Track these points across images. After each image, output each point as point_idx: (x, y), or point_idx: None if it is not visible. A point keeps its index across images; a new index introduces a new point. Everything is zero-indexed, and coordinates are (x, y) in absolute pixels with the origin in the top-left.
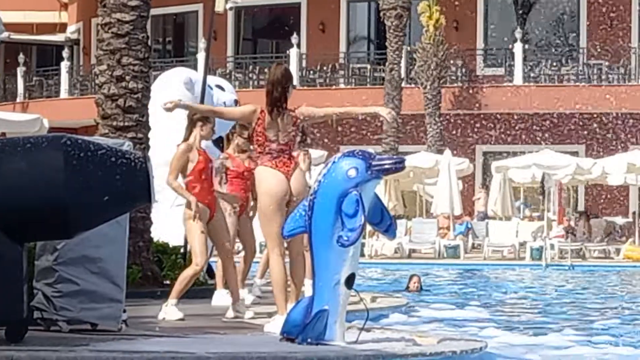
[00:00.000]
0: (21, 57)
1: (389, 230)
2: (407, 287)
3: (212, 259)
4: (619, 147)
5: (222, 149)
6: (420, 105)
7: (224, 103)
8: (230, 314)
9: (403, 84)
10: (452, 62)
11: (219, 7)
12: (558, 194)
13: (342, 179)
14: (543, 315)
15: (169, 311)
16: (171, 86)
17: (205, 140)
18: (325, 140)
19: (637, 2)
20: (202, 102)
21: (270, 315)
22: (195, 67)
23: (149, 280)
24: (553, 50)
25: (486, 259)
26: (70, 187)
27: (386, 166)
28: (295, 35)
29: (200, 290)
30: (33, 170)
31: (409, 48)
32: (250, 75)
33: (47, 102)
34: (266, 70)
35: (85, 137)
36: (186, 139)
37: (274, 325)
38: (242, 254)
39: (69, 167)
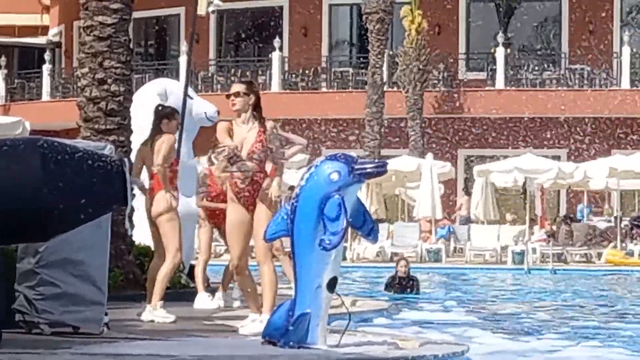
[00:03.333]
0: (3, 60)
1: (371, 234)
2: (396, 272)
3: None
4: (601, 151)
5: None
6: (402, 109)
7: (205, 113)
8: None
9: (385, 88)
10: (434, 66)
11: (201, 10)
12: (540, 198)
13: (324, 183)
14: (525, 319)
15: (159, 314)
16: (145, 95)
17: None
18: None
19: (618, 7)
20: (183, 107)
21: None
22: (177, 70)
23: (130, 284)
24: (535, 54)
25: (468, 262)
26: (47, 189)
27: (368, 170)
28: (277, 38)
29: (182, 293)
30: (9, 173)
31: (391, 52)
32: (233, 78)
33: (29, 104)
34: (248, 73)
35: (62, 140)
36: (156, 133)
37: (254, 327)
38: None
39: (45, 170)
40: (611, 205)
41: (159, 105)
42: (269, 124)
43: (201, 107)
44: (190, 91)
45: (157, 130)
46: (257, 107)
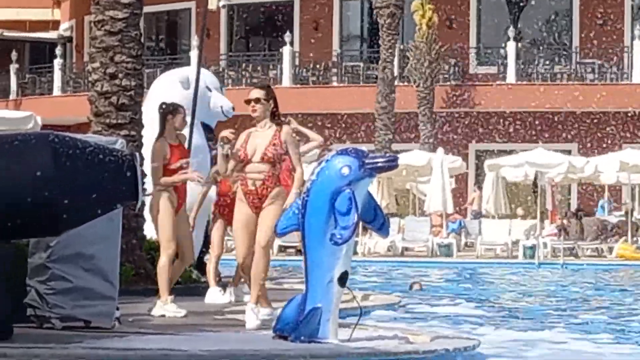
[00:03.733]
0: (14, 55)
1: (382, 229)
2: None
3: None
4: (612, 145)
5: (209, 140)
6: (413, 103)
7: (221, 107)
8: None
9: (396, 82)
10: (445, 60)
11: (212, 4)
12: (551, 193)
13: (335, 177)
14: (536, 313)
15: (170, 309)
16: (168, 83)
17: (179, 131)
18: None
19: (629, 1)
20: (194, 101)
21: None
22: (188, 65)
23: (142, 278)
24: (546, 48)
25: (479, 257)
26: (58, 184)
27: (379, 164)
28: (288, 33)
29: (193, 287)
30: (20, 168)
31: (402, 46)
32: (243, 73)
33: (40, 99)
34: (259, 68)
35: (73, 135)
36: (162, 132)
37: (251, 317)
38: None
39: (56, 164)
40: (628, 200)
41: (162, 103)
42: (285, 128)
43: (218, 101)
44: (216, 82)
45: (163, 127)
46: (274, 112)
